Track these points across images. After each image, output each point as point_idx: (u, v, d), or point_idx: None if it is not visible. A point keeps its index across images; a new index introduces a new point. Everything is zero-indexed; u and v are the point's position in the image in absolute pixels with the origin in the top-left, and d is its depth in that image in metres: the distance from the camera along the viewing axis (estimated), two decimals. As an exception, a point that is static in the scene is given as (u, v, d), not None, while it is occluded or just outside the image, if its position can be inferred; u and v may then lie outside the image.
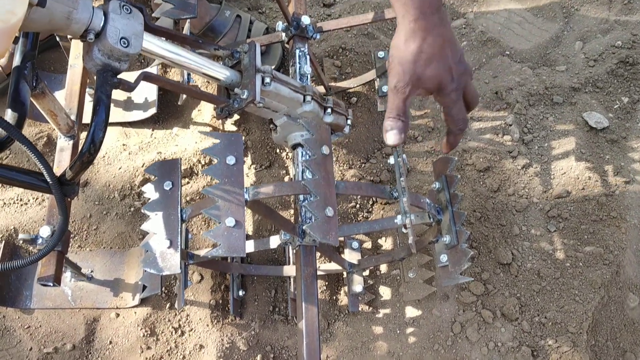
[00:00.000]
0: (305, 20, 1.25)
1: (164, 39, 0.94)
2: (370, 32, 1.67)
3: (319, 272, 1.30)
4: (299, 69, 1.21)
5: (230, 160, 0.94)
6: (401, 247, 1.29)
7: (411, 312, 1.30)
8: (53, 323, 1.28)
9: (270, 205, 1.39)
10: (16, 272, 1.30)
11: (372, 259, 1.32)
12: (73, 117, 1.16)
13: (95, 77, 0.83)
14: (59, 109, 1.08)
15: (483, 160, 1.46)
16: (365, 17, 1.35)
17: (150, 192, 1.01)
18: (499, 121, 1.54)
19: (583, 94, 1.58)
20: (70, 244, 1.35)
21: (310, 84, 1.16)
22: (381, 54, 1.48)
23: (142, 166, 1.43)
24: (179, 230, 0.97)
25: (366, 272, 1.35)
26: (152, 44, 0.91)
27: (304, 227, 0.99)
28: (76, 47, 1.23)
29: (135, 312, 1.29)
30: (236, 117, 1.52)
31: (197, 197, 1.40)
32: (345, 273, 1.33)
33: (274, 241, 1.12)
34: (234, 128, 1.52)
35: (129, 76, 1.17)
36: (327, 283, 1.35)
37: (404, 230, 1.03)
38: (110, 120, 1.34)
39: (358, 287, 1.30)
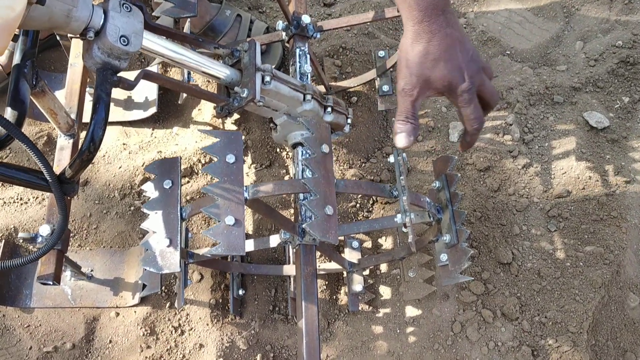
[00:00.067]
0: (306, 19, 1.25)
1: (164, 37, 0.94)
2: (370, 31, 1.67)
3: (319, 272, 1.30)
4: (299, 68, 1.21)
5: (230, 158, 0.93)
6: (401, 247, 1.29)
7: (411, 311, 1.30)
8: (53, 322, 1.28)
9: (271, 205, 1.38)
10: (16, 271, 1.30)
11: (372, 258, 1.31)
12: (73, 116, 1.16)
13: (95, 76, 0.82)
14: (59, 107, 1.08)
15: (483, 160, 1.46)
16: (365, 16, 1.35)
17: (150, 190, 1.01)
18: (500, 121, 1.54)
19: (584, 94, 1.58)
20: (70, 243, 1.35)
21: (311, 83, 1.16)
22: (381, 53, 1.49)
23: (142, 165, 1.43)
24: (179, 228, 0.97)
25: (366, 272, 1.35)
26: (152, 42, 0.91)
27: (303, 226, 0.99)
28: (76, 46, 1.23)
29: (135, 311, 1.29)
30: (236, 116, 1.52)
31: (198, 196, 1.40)
32: (345, 272, 1.33)
33: (274, 240, 1.12)
34: (234, 127, 1.52)
35: (129, 76, 1.17)
36: (327, 282, 1.35)
37: (404, 229, 1.03)
38: (111, 119, 1.34)
39: (358, 286, 1.29)
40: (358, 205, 1.43)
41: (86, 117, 1.05)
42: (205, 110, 1.55)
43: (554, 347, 1.24)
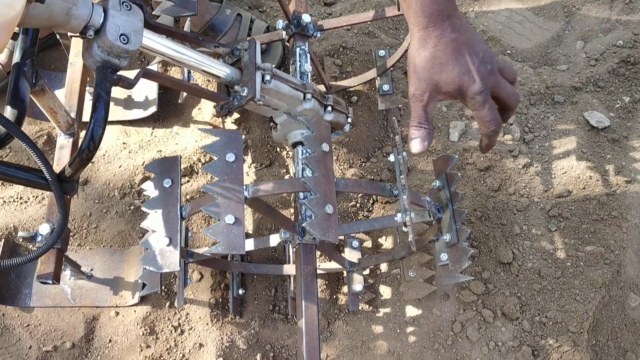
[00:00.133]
0: (306, 18, 1.25)
1: (164, 36, 0.94)
2: (371, 30, 1.67)
3: (319, 271, 1.30)
4: (300, 67, 1.21)
5: (230, 157, 0.93)
6: (401, 246, 1.29)
7: (411, 311, 1.30)
8: (52, 321, 1.27)
9: (271, 204, 1.38)
10: (16, 270, 1.29)
11: (372, 258, 1.31)
12: (73, 115, 1.15)
13: (94, 74, 0.82)
14: (59, 106, 1.08)
15: (484, 160, 1.46)
16: (366, 15, 1.34)
17: (149, 189, 1.01)
18: (500, 120, 1.53)
19: (584, 94, 1.58)
20: (70, 242, 1.35)
21: (311, 82, 1.16)
22: (382, 52, 1.49)
23: (143, 164, 1.43)
24: (179, 227, 0.97)
25: (366, 271, 1.35)
26: (152, 41, 0.90)
27: (303, 225, 0.99)
28: (76, 45, 1.23)
29: (134, 311, 1.29)
30: (236, 115, 1.52)
31: (198, 196, 1.40)
32: (345, 272, 1.33)
33: (274, 239, 1.12)
34: (234, 127, 1.52)
35: (130, 75, 1.17)
36: (327, 282, 1.35)
37: (404, 228, 1.03)
38: (111, 118, 1.34)
39: (358, 286, 1.29)
40: (358, 204, 1.42)
41: (86, 116, 1.05)
42: (205, 110, 1.54)
43: (555, 347, 1.24)
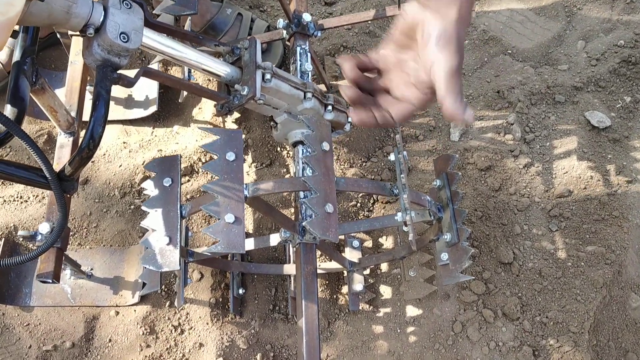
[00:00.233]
0: (307, 17, 1.25)
1: (165, 35, 0.94)
2: (371, 30, 1.67)
3: (319, 271, 1.30)
4: (300, 66, 1.21)
5: (230, 156, 0.93)
6: (402, 246, 1.28)
7: (412, 311, 1.30)
8: (52, 321, 1.27)
9: (271, 204, 1.38)
10: (16, 269, 1.29)
11: (372, 258, 1.31)
12: (73, 114, 1.15)
13: (95, 73, 0.82)
14: (59, 105, 1.08)
15: (484, 159, 1.46)
16: (366, 14, 1.34)
17: (149, 188, 1.01)
18: (501, 120, 1.53)
19: (585, 93, 1.57)
20: (70, 242, 1.35)
21: (311, 82, 1.16)
22: (383, 52, 1.48)
23: (143, 164, 1.43)
24: (179, 226, 0.96)
25: (367, 271, 1.35)
26: (152, 39, 0.90)
27: (303, 224, 0.99)
28: (77, 44, 1.23)
29: (134, 310, 1.28)
30: (237, 115, 1.52)
31: (198, 195, 1.40)
32: (345, 272, 1.33)
33: (274, 239, 1.12)
34: (235, 126, 1.52)
35: (130, 74, 1.17)
36: (327, 282, 1.35)
37: (404, 228, 1.03)
38: (111, 117, 1.34)
39: (358, 285, 1.29)
40: (359, 204, 1.42)
41: (86, 115, 1.05)
42: (205, 109, 1.54)
43: (555, 347, 1.23)
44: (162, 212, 0.98)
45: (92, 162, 1.45)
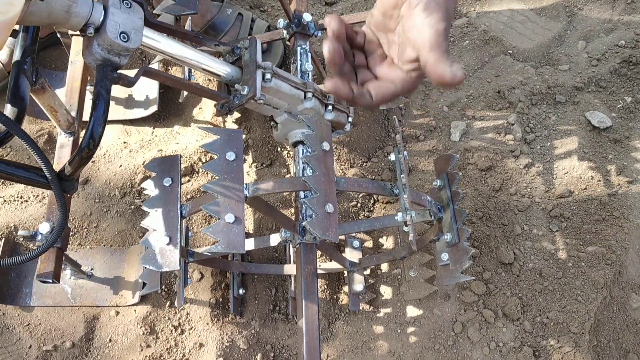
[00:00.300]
0: (307, 17, 1.24)
1: (165, 34, 0.94)
2: (372, 30, 1.66)
3: (319, 271, 1.29)
4: (300, 66, 1.20)
5: (230, 156, 0.93)
6: (402, 246, 1.28)
7: (412, 311, 1.30)
8: (53, 321, 1.27)
9: (271, 204, 1.38)
10: (16, 269, 1.29)
11: (373, 258, 1.31)
12: (73, 114, 1.15)
13: (95, 72, 0.82)
14: (59, 104, 1.08)
15: (485, 160, 1.45)
16: (366, 14, 1.34)
17: (150, 188, 1.01)
18: (501, 120, 1.53)
19: (586, 94, 1.57)
20: (70, 242, 1.35)
21: (312, 81, 1.16)
22: (383, 52, 1.48)
23: (143, 164, 1.43)
24: (179, 226, 0.96)
25: (367, 271, 1.35)
26: (152, 39, 0.90)
27: (304, 224, 0.98)
28: (77, 44, 1.23)
29: (135, 310, 1.28)
30: (237, 115, 1.52)
31: (198, 195, 1.40)
32: (346, 272, 1.33)
33: (275, 239, 1.12)
34: (235, 126, 1.51)
35: (130, 73, 1.17)
36: (327, 282, 1.35)
37: (404, 228, 1.03)
38: (111, 117, 1.34)
39: (359, 286, 1.29)
40: (359, 204, 1.42)
41: (86, 115, 1.05)
42: (206, 109, 1.54)
43: (556, 348, 1.23)
44: (162, 212, 0.98)
45: (93, 162, 1.45)
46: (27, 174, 0.86)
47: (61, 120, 1.11)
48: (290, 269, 1.28)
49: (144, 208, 0.99)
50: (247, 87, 0.98)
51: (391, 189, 1.02)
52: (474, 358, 1.24)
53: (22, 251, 1.34)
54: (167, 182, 1.00)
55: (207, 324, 1.27)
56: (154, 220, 0.97)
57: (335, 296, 1.34)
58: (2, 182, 1.43)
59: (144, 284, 1.09)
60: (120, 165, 1.44)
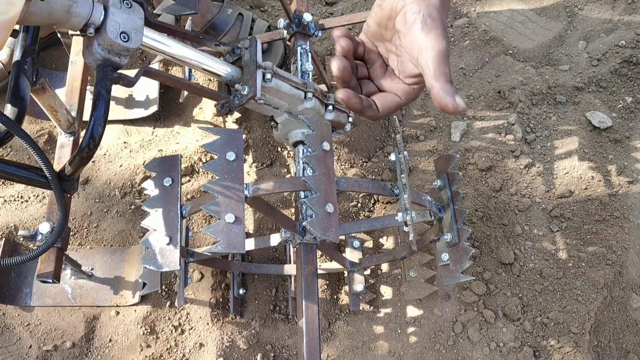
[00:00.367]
0: (307, 17, 1.24)
1: (165, 34, 0.94)
2: (372, 30, 1.66)
3: (319, 271, 1.29)
4: (301, 66, 1.20)
5: (230, 156, 0.93)
6: (402, 246, 1.28)
7: (412, 311, 1.30)
8: (53, 321, 1.27)
9: (271, 204, 1.38)
10: (16, 269, 1.29)
11: (373, 258, 1.31)
12: (74, 114, 1.15)
13: (95, 72, 0.82)
14: (60, 104, 1.08)
15: (485, 160, 1.45)
16: (367, 14, 1.33)
17: (150, 188, 1.01)
18: (502, 120, 1.53)
19: (586, 94, 1.57)
20: (70, 242, 1.35)
21: (312, 81, 1.16)
22: (383, 52, 1.48)
23: (143, 164, 1.43)
24: (179, 226, 0.96)
25: (367, 271, 1.35)
26: (153, 39, 0.90)
27: (304, 224, 0.98)
28: (77, 44, 1.23)
29: (135, 310, 1.28)
30: (237, 115, 1.52)
31: (198, 195, 1.40)
32: (346, 272, 1.33)
33: (275, 239, 1.12)
34: (235, 126, 1.51)
35: (130, 73, 1.17)
36: (328, 282, 1.35)
37: (405, 228, 1.03)
38: (112, 117, 1.34)
39: (359, 286, 1.29)
40: (359, 204, 1.42)
41: (87, 115, 1.05)
42: (206, 109, 1.54)
43: (556, 348, 1.23)
44: (162, 212, 0.98)
45: (93, 162, 1.45)
46: (27, 174, 0.86)
47: (61, 120, 1.11)
48: (290, 269, 1.28)
49: (144, 208, 0.99)
50: (247, 87, 0.98)
51: (391, 189, 1.02)
52: (474, 358, 1.24)
53: (22, 251, 1.34)
54: (167, 182, 1.00)
55: (207, 324, 1.27)
56: (154, 220, 0.97)
57: (335, 296, 1.34)
58: (2, 182, 1.43)
59: (144, 284, 1.09)
60: (121, 165, 1.44)
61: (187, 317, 1.28)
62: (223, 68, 1.00)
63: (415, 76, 0.69)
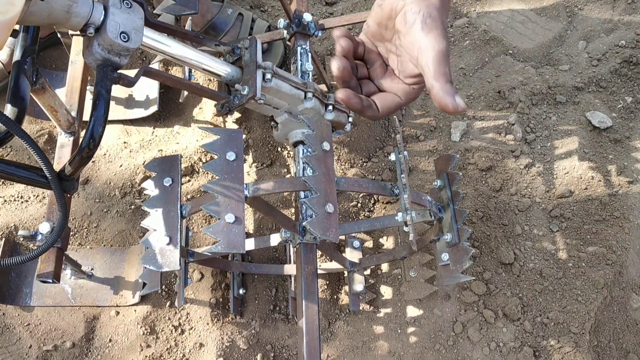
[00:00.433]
0: (307, 17, 1.24)
1: (165, 34, 0.94)
2: (372, 30, 1.66)
3: (319, 271, 1.29)
4: (301, 66, 1.20)
5: (230, 156, 0.93)
6: (402, 246, 1.28)
7: (412, 311, 1.30)
8: (53, 321, 1.27)
9: (271, 204, 1.38)
10: (16, 269, 1.29)
11: (373, 258, 1.31)
12: (74, 114, 1.15)
13: (95, 72, 0.82)
14: (60, 104, 1.08)
15: (485, 160, 1.45)
16: (367, 14, 1.33)
17: (150, 188, 1.01)
18: (502, 120, 1.53)
19: (586, 94, 1.57)
20: (70, 242, 1.35)
21: (312, 81, 1.16)
22: (383, 52, 1.48)
23: (143, 164, 1.43)
24: (179, 226, 0.96)
25: (367, 271, 1.35)
26: (153, 39, 0.90)
27: (304, 224, 0.98)
28: (77, 44, 1.23)
29: (135, 310, 1.28)
30: (237, 115, 1.52)
31: (198, 195, 1.40)
32: (346, 272, 1.33)
33: (275, 239, 1.12)
34: (235, 126, 1.51)
35: (130, 73, 1.17)
36: (328, 282, 1.35)
37: (405, 228, 1.03)
38: (112, 117, 1.34)
39: (359, 286, 1.29)
40: (359, 204, 1.42)
41: (87, 115, 1.05)
42: (206, 109, 1.54)
43: (556, 348, 1.23)
44: (162, 212, 0.98)
45: (93, 162, 1.45)
46: (27, 174, 0.86)
47: (61, 120, 1.11)
48: (290, 269, 1.28)
49: (144, 208, 0.99)
50: (247, 87, 0.98)
51: (391, 189, 1.02)
52: (474, 358, 1.24)
53: (22, 251, 1.34)
54: (167, 182, 1.00)
55: (207, 324, 1.27)
56: (154, 220, 0.97)
57: (335, 296, 1.34)
58: (2, 182, 1.43)
59: (144, 284, 1.09)
60: (121, 165, 1.44)
61: (187, 317, 1.28)
62: (223, 68, 1.00)
63: (415, 76, 0.69)
